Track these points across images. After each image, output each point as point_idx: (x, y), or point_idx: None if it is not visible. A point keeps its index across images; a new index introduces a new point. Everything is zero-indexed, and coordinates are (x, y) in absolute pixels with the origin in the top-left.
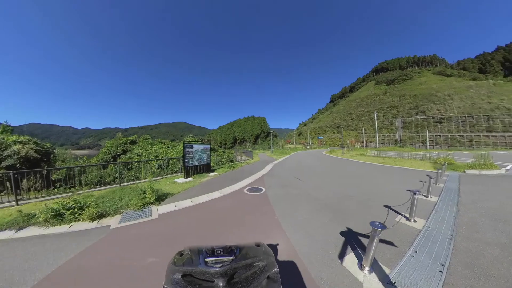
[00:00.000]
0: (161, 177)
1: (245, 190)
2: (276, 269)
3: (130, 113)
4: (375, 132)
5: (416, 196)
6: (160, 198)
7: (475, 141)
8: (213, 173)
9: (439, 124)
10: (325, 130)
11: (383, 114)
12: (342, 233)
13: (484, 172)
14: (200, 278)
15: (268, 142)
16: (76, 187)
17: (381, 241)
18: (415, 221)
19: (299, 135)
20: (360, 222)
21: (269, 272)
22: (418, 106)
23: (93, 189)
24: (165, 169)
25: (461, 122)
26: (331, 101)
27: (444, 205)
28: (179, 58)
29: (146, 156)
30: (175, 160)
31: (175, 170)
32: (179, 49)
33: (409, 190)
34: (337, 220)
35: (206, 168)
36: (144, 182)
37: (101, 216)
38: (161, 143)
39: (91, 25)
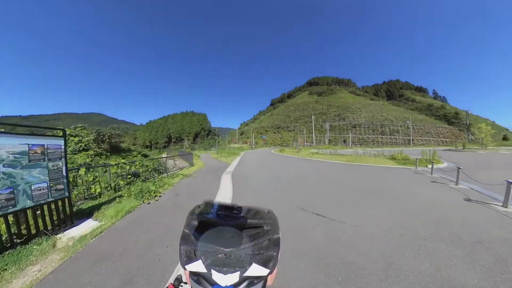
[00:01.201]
0: None
1: None
2: (278, 235)
3: (9, 97)
4: (309, 134)
5: None
6: None
7: (376, 141)
8: (82, 229)
9: (354, 128)
10: (266, 130)
11: (315, 118)
12: None
13: (440, 166)
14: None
15: (209, 142)
16: None
17: None
18: None
19: (241, 134)
20: None
21: (271, 236)
22: (340, 114)
23: None
24: None
25: (367, 127)
26: (272, 104)
27: None
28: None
29: None
30: None
31: None
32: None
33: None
34: None
35: (47, 215)
36: None
37: None
38: None
39: None
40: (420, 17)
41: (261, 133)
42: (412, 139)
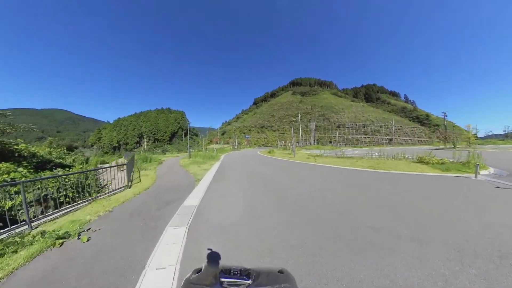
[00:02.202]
0: None
1: None
2: None
3: None
4: (295, 134)
5: None
6: None
7: (359, 141)
8: None
9: (338, 128)
10: (250, 130)
11: (300, 118)
12: None
13: (490, 171)
14: None
15: (187, 142)
16: None
17: None
18: None
19: (223, 134)
20: None
21: None
22: (324, 114)
23: None
24: None
25: (351, 127)
26: (255, 103)
27: None
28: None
29: None
30: None
31: None
32: None
33: None
34: None
35: None
36: None
37: None
38: None
39: None
40: (390, 26)
41: (244, 133)
42: (392, 139)
